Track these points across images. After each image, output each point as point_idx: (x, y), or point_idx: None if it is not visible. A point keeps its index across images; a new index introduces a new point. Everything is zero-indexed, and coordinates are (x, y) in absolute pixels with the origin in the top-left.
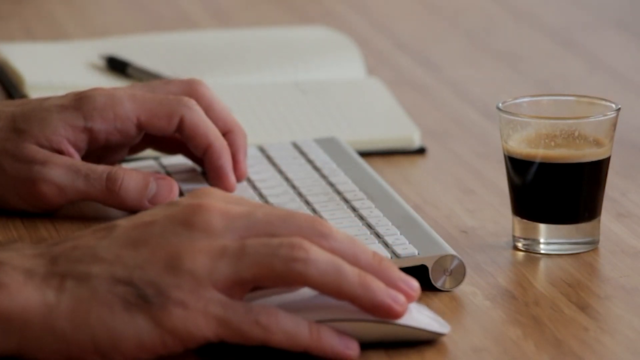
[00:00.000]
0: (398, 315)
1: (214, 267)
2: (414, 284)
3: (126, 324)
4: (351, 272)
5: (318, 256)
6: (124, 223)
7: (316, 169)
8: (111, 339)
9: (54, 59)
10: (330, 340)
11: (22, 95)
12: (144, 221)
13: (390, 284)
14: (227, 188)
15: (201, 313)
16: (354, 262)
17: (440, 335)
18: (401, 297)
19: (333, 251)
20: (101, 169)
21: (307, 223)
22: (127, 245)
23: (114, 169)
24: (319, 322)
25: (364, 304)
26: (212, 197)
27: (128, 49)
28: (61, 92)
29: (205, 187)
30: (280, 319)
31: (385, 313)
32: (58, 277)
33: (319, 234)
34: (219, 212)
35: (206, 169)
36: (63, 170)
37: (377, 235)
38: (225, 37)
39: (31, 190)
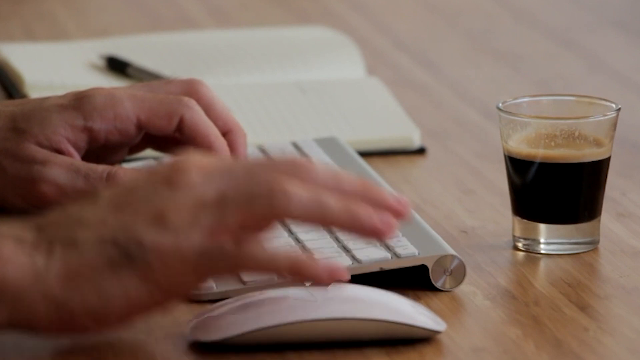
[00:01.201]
0: (387, 235)
1: (197, 218)
2: (403, 199)
3: (114, 284)
4: (334, 201)
5: (298, 190)
6: (107, 191)
7: None
8: (101, 300)
9: (54, 59)
10: (309, 269)
11: (22, 95)
12: (127, 187)
13: (378, 204)
14: None
15: (184, 263)
16: (338, 190)
17: (436, 332)
18: (389, 217)
19: (315, 183)
20: (101, 168)
21: (286, 164)
22: (111, 210)
23: (114, 168)
24: (318, 320)
25: (351, 229)
26: (191, 157)
27: (128, 49)
28: (61, 92)
29: (182, 157)
30: (258, 252)
31: (373, 235)
32: (46, 243)
33: (298, 170)
34: (198, 168)
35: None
36: (63, 169)
37: None
38: (225, 37)
39: (31, 190)
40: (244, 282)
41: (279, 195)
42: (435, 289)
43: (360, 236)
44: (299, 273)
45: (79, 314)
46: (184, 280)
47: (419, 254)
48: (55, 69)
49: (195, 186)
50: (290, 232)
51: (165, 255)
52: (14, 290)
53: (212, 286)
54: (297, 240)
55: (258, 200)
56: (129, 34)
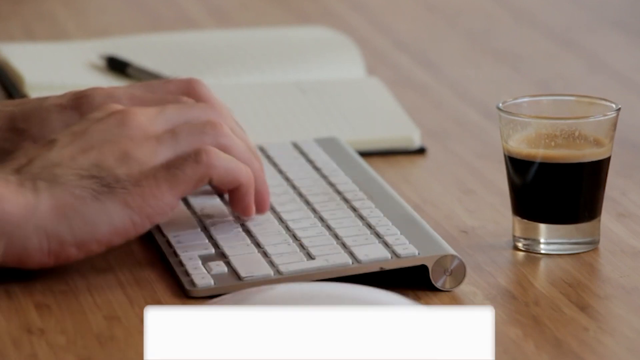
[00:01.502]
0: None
1: (156, 151)
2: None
3: (99, 212)
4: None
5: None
6: (61, 137)
7: (316, 168)
8: (87, 227)
9: (54, 59)
10: (261, 186)
11: (22, 95)
12: (78, 132)
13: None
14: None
15: (156, 185)
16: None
17: None
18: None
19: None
20: None
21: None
22: (77, 151)
23: None
24: None
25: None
26: (124, 105)
27: (128, 49)
28: (61, 92)
29: (110, 104)
30: (220, 156)
31: (240, 209)
32: (30, 181)
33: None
34: (139, 112)
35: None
36: None
37: (378, 235)
38: (225, 37)
39: None
40: (241, 278)
41: (217, 126)
42: (435, 289)
43: (235, 201)
44: (245, 191)
45: (68, 243)
46: (160, 200)
47: (419, 254)
48: (55, 69)
49: (145, 126)
50: (288, 229)
51: (139, 179)
52: (10, 224)
53: (210, 283)
54: (295, 237)
55: (204, 138)
56: (129, 34)
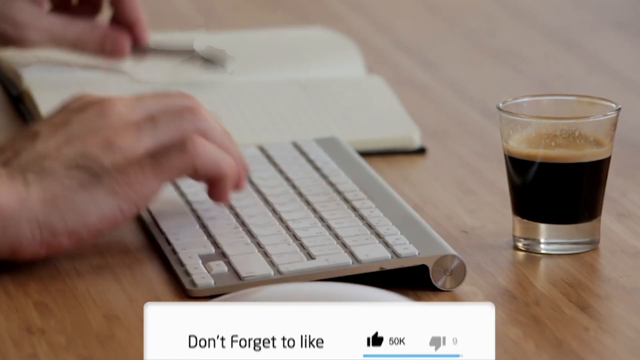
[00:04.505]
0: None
1: (139, 139)
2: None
3: (88, 200)
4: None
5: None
6: (43, 129)
7: (316, 168)
8: (77, 216)
9: (52, 54)
10: (242, 169)
11: (21, 92)
12: (60, 123)
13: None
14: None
15: (142, 173)
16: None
17: None
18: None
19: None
20: None
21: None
22: (61, 143)
23: None
24: None
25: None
26: (99, 96)
27: None
28: (62, 90)
29: (84, 94)
30: (206, 146)
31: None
32: (19, 173)
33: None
34: (118, 101)
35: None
36: None
37: (378, 235)
38: (225, 39)
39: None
40: (241, 278)
41: (195, 112)
42: (435, 289)
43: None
44: (226, 183)
45: (59, 233)
46: (146, 188)
47: (419, 254)
48: (54, 66)
49: (126, 116)
50: (288, 229)
51: (125, 167)
52: (4, 216)
53: (210, 282)
54: (295, 237)
55: (184, 126)
56: None
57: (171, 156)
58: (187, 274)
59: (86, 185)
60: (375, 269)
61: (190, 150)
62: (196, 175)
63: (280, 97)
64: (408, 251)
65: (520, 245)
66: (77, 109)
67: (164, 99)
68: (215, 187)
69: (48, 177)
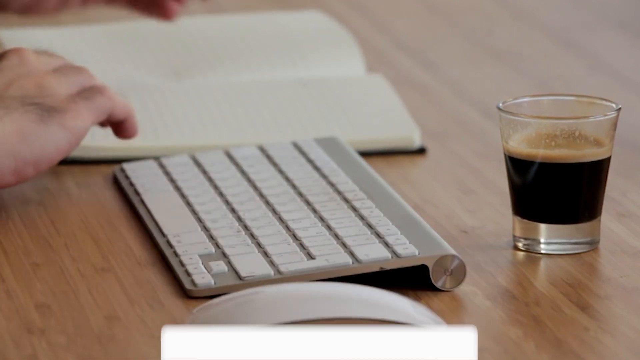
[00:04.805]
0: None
1: (59, 83)
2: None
3: (47, 133)
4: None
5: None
6: None
7: (316, 168)
8: (41, 147)
9: (51, 44)
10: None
11: None
12: None
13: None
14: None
15: (78, 111)
16: None
17: None
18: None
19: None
20: None
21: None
22: (2, 86)
23: None
24: (319, 320)
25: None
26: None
27: (119, 36)
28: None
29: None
30: (115, 94)
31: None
32: None
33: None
34: (28, 51)
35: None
36: None
37: (378, 235)
38: (219, 27)
39: None
40: (241, 278)
41: (86, 70)
42: (435, 289)
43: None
44: (133, 120)
45: (28, 163)
46: (84, 124)
47: (419, 253)
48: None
49: (37, 61)
50: (288, 229)
51: (65, 105)
52: None
53: (210, 282)
54: (295, 237)
55: (81, 70)
56: (122, 21)
57: (96, 98)
58: (188, 274)
59: (44, 119)
60: (375, 269)
61: (108, 93)
62: (111, 116)
63: (281, 94)
64: (408, 251)
65: (520, 245)
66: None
67: (55, 58)
68: (125, 126)
69: (14, 112)
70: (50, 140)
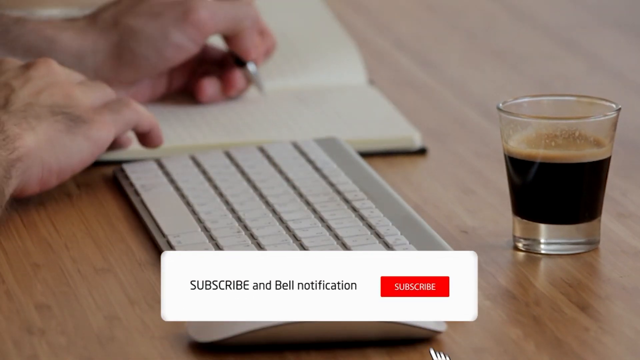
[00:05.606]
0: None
1: (86, 94)
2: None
3: (73, 143)
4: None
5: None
6: (10, 81)
7: (316, 169)
8: (67, 157)
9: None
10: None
11: None
12: (20, 76)
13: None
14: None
15: (103, 123)
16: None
17: (436, 333)
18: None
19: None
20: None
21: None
22: (34, 93)
23: None
24: (317, 320)
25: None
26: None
27: None
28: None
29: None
30: (140, 106)
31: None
32: (24, 121)
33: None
34: (53, 62)
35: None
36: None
37: (378, 236)
38: None
39: (187, 19)
40: None
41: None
42: None
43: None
44: (159, 131)
45: (53, 172)
46: (107, 135)
47: None
48: None
49: (64, 72)
50: (288, 229)
51: (91, 116)
52: (28, 157)
53: None
54: (295, 237)
55: (102, 85)
56: None
57: (122, 110)
58: None
59: (71, 129)
60: None
61: (133, 106)
62: (137, 127)
63: (280, 106)
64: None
65: (520, 245)
66: (24, 65)
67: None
68: (153, 134)
69: (44, 121)
70: (75, 151)
